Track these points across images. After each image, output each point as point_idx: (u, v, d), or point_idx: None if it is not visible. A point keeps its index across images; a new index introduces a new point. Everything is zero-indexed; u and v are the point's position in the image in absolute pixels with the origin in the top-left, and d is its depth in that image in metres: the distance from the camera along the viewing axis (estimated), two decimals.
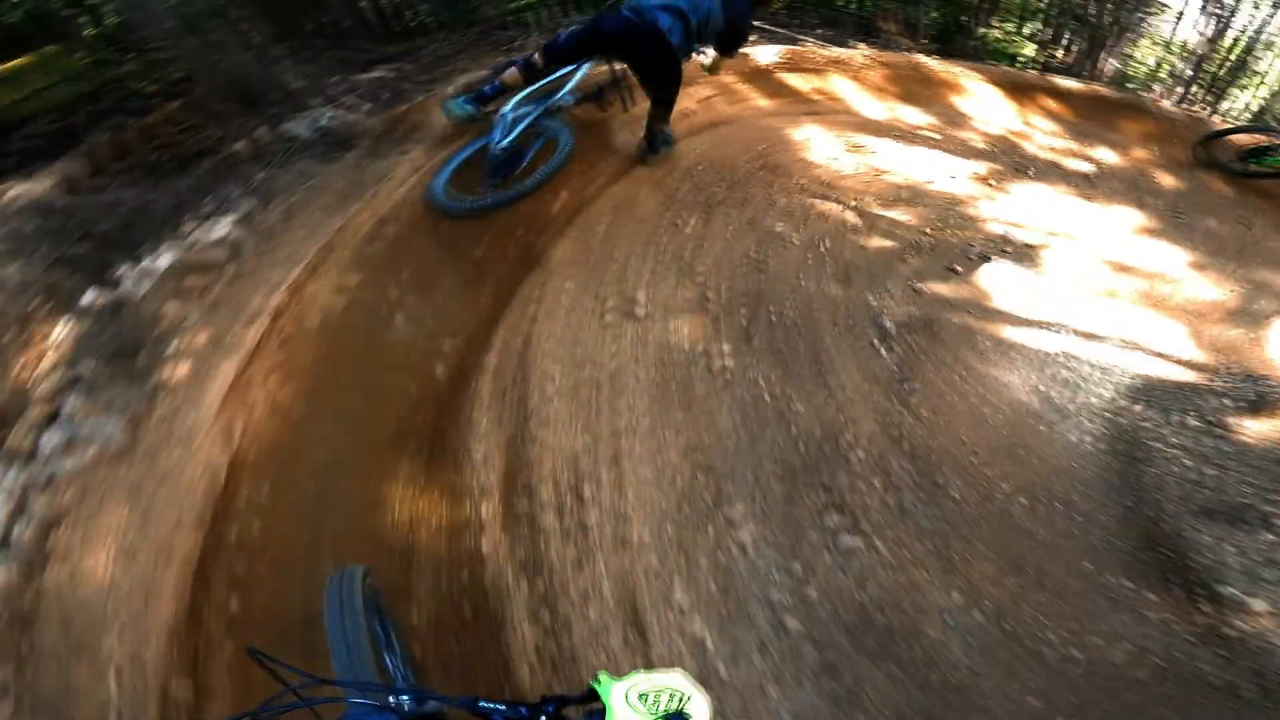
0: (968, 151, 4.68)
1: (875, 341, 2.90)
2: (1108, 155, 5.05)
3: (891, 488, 2.49)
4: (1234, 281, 3.63)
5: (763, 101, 4.79)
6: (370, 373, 2.49)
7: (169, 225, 3.12)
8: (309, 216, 2.94)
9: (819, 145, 4.35)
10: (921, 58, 5.67)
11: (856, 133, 4.63)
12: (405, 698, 0.99)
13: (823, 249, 3.30)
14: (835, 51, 5.49)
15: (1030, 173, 4.54)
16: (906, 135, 4.76)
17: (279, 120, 3.85)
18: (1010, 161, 4.65)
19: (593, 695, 0.89)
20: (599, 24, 3.21)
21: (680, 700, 0.85)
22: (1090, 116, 5.55)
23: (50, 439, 2.20)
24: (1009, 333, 3.06)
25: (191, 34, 3.72)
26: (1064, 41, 9.44)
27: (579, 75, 3.74)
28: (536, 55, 3.31)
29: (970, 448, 2.59)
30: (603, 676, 0.89)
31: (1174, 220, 4.31)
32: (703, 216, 3.45)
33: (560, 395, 2.59)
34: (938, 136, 4.85)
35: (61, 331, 2.60)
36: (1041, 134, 5.26)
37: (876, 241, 3.43)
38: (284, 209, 3.00)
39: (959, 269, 3.34)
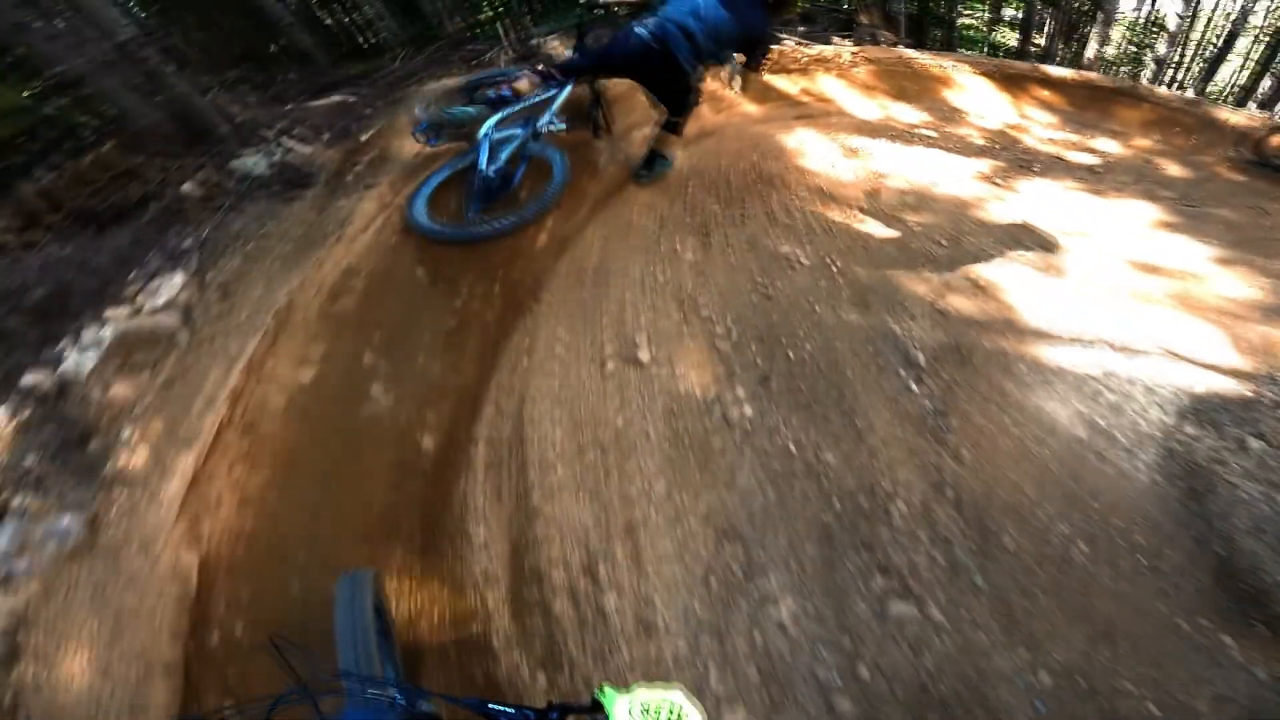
0: (968, 149, 4.55)
1: (903, 373, 2.71)
2: (1109, 145, 4.95)
3: (939, 541, 2.30)
4: (1262, 275, 3.51)
5: (750, 107, 4.62)
6: (348, 452, 2.25)
7: (112, 287, 2.86)
8: (267, 269, 2.70)
9: (814, 151, 4.18)
10: (909, 52, 5.55)
11: (851, 135, 4.46)
12: (398, 695, 1.06)
13: (833, 269, 3.11)
14: (819, 49, 5.34)
15: (1035, 169, 4.41)
16: (902, 135, 4.61)
17: (228, 156, 3.58)
18: (1013, 157, 4.52)
19: (597, 706, 0.94)
20: (621, 42, 3.12)
21: (678, 714, 0.89)
22: (1086, 106, 5.46)
23: (1, 538, 2.00)
24: (1044, 352, 2.89)
25: (123, 63, 3.42)
26: (1044, 28, 9.47)
27: (562, 96, 3.57)
28: (554, 69, 3.28)
29: (1019, 488, 2.40)
30: (606, 688, 0.94)
31: (1188, 211, 4.20)
32: (700, 240, 3.25)
33: (563, 461, 2.37)
34: (935, 134, 4.71)
35: (2, 420, 2.36)
36: (1040, 126, 5.16)
37: (890, 255, 3.25)
38: (238, 262, 2.75)
39: (980, 281, 3.17)
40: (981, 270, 3.25)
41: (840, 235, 3.37)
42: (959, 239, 3.47)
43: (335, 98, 4.07)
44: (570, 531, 2.23)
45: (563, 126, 3.50)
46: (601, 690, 0.94)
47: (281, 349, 2.31)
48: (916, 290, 3.06)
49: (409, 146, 3.57)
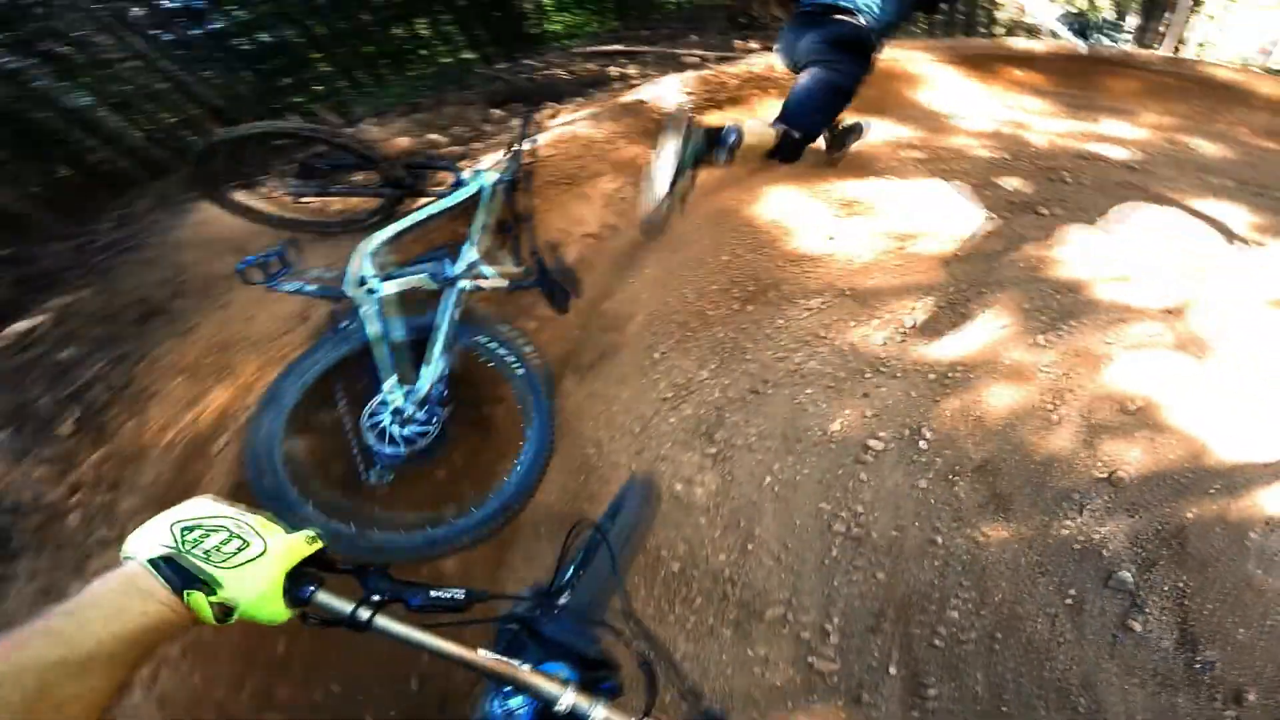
0: (978, 168, 3.78)
1: (1109, 607, 1.80)
2: (1125, 129, 4.38)
3: None
4: None
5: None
6: None
7: None
8: None
9: (803, 222, 3.27)
10: None
11: (833, 180, 3.60)
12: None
13: (927, 445, 2.15)
14: (745, 64, 4.51)
15: (1068, 180, 3.70)
16: (893, 165, 3.79)
17: None
18: (1035, 169, 3.79)
19: None
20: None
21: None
22: (1066, 82, 4.94)
23: None
24: (1262, 496, 2.06)
25: None
26: None
27: (484, 209, 2.30)
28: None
29: None
30: None
31: (1271, 205, 3.61)
32: (707, 454, 2.18)
33: None
34: (926, 155, 3.93)
35: None
36: (1035, 116, 4.52)
37: (998, 396, 2.33)
38: None
39: (1132, 403, 2.31)
40: (1120, 382, 2.39)
41: (905, 371, 2.43)
42: (1058, 324, 2.62)
43: (56, 302, 2.64)
44: None
45: (500, 281, 2.21)
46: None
47: None
48: (1058, 450, 2.15)
49: (166, 419, 2.20)
